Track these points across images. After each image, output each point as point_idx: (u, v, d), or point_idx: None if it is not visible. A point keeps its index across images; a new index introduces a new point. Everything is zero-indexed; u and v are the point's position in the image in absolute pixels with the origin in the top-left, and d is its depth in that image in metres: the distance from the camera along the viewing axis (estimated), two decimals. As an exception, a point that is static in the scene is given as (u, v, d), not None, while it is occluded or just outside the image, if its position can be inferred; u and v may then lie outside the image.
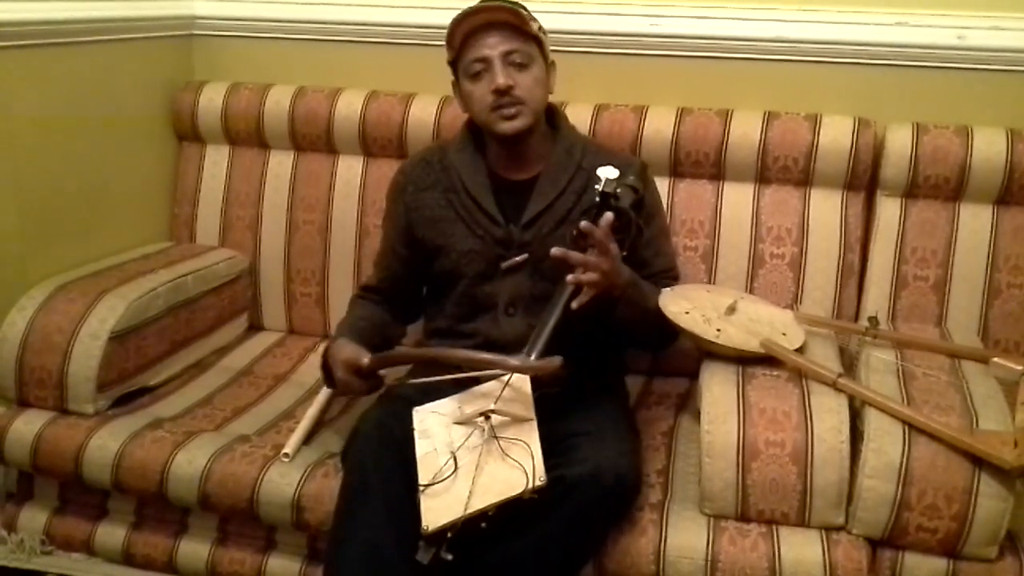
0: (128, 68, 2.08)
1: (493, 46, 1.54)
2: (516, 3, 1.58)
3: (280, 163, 2.16)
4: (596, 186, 1.49)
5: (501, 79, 1.53)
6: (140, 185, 2.16)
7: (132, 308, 1.77)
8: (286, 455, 1.61)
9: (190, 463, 1.61)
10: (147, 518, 1.74)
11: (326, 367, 1.62)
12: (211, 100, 2.17)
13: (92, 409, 1.72)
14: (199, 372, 1.97)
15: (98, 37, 1.97)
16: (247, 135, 2.16)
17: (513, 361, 1.39)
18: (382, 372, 1.56)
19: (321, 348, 2.07)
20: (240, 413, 1.81)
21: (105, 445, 1.66)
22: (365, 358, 1.52)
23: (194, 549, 1.71)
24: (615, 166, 1.51)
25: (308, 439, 1.69)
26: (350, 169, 2.11)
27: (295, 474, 1.58)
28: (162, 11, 2.16)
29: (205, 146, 2.21)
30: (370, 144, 2.09)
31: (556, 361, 1.38)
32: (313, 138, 2.12)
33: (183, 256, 2.06)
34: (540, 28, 1.59)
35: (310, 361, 2.03)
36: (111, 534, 1.74)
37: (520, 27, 1.55)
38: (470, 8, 1.56)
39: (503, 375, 1.40)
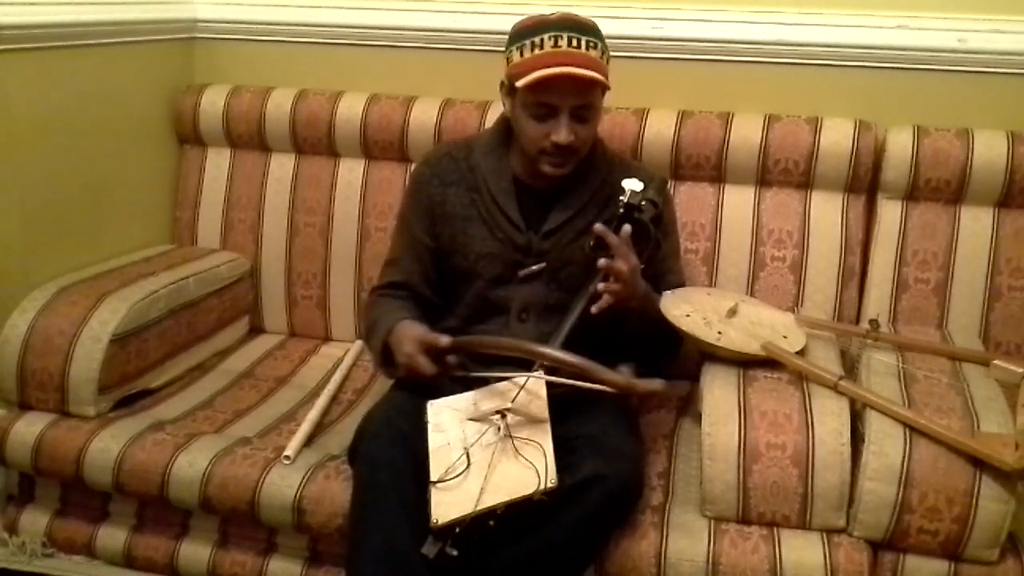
0: (130, 71, 2.08)
1: (564, 96, 1.46)
2: (600, 55, 1.49)
3: (281, 166, 2.16)
4: (621, 197, 1.49)
5: (564, 136, 1.48)
6: (141, 188, 2.16)
7: (133, 310, 1.77)
8: (287, 457, 1.61)
9: (191, 465, 1.61)
10: (148, 520, 1.74)
11: (385, 351, 1.57)
12: (212, 103, 2.17)
13: (93, 411, 1.72)
14: (200, 374, 1.97)
15: (100, 40, 1.98)
16: (248, 138, 2.16)
17: (637, 381, 1.38)
18: (451, 360, 1.50)
19: (322, 350, 2.10)
20: (241, 415, 1.81)
21: (106, 447, 1.66)
22: (444, 339, 1.46)
23: (195, 551, 1.71)
24: (639, 179, 1.51)
25: (309, 441, 1.69)
26: (351, 172, 2.11)
27: (296, 476, 1.58)
28: (164, 14, 2.17)
29: (206, 149, 2.21)
30: (371, 147, 2.09)
31: (686, 387, 1.38)
32: (314, 141, 2.12)
33: (184, 259, 2.06)
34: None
35: (311, 363, 2.04)
36: (112, 536, 1.74)
37: (599, 82, 1.47)
38: (559, 50, 1.45)
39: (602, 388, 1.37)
